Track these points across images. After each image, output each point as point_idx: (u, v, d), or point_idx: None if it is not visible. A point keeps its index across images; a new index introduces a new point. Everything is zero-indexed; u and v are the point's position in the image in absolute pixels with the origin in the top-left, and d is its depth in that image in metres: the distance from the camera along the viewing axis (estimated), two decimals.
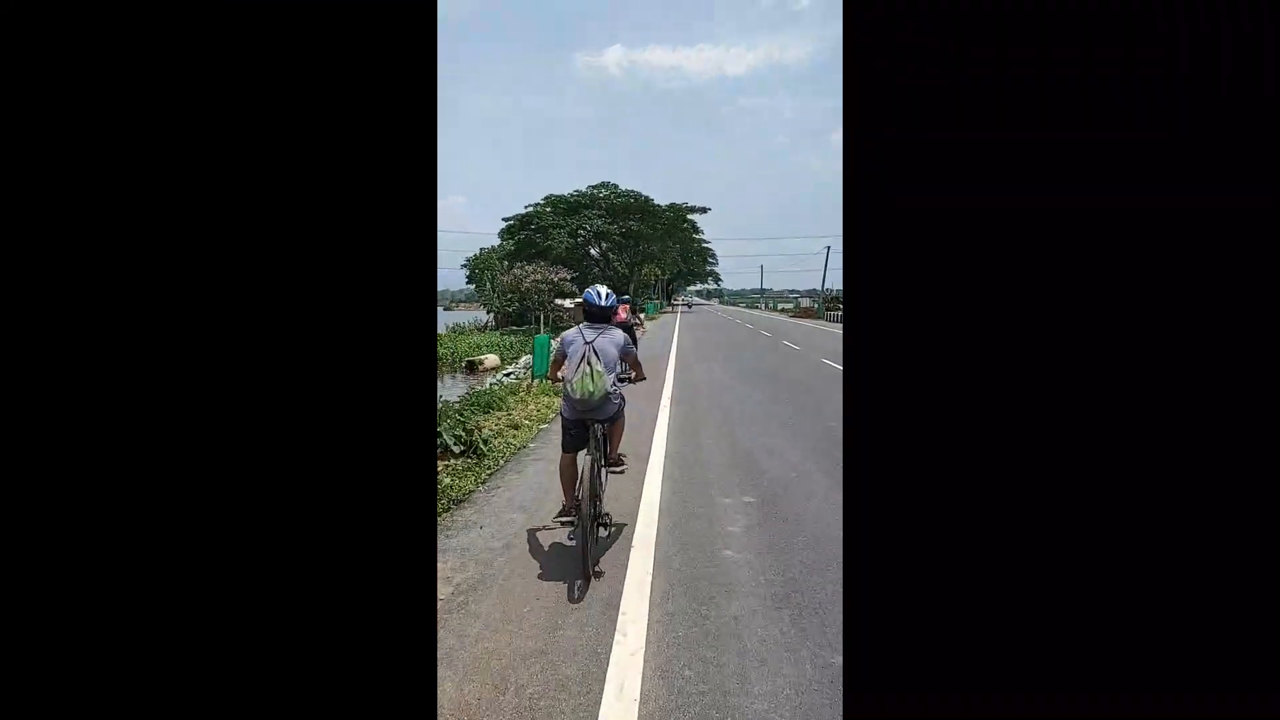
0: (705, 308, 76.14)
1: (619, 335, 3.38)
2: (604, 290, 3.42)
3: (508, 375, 12.27)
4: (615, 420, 3.47)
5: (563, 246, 37.61)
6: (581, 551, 3.05)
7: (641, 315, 29.92)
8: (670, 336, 19.83)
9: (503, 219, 41.38)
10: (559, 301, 29.55)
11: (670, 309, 56.57)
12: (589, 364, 3.19)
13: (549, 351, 8.63)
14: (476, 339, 24.28)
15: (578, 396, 3.20)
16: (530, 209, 40.25)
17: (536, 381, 9.20)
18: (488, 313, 35.98)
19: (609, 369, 3.26)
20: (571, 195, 40.59)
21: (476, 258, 55.21)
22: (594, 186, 41.40)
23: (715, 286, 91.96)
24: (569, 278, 32.20)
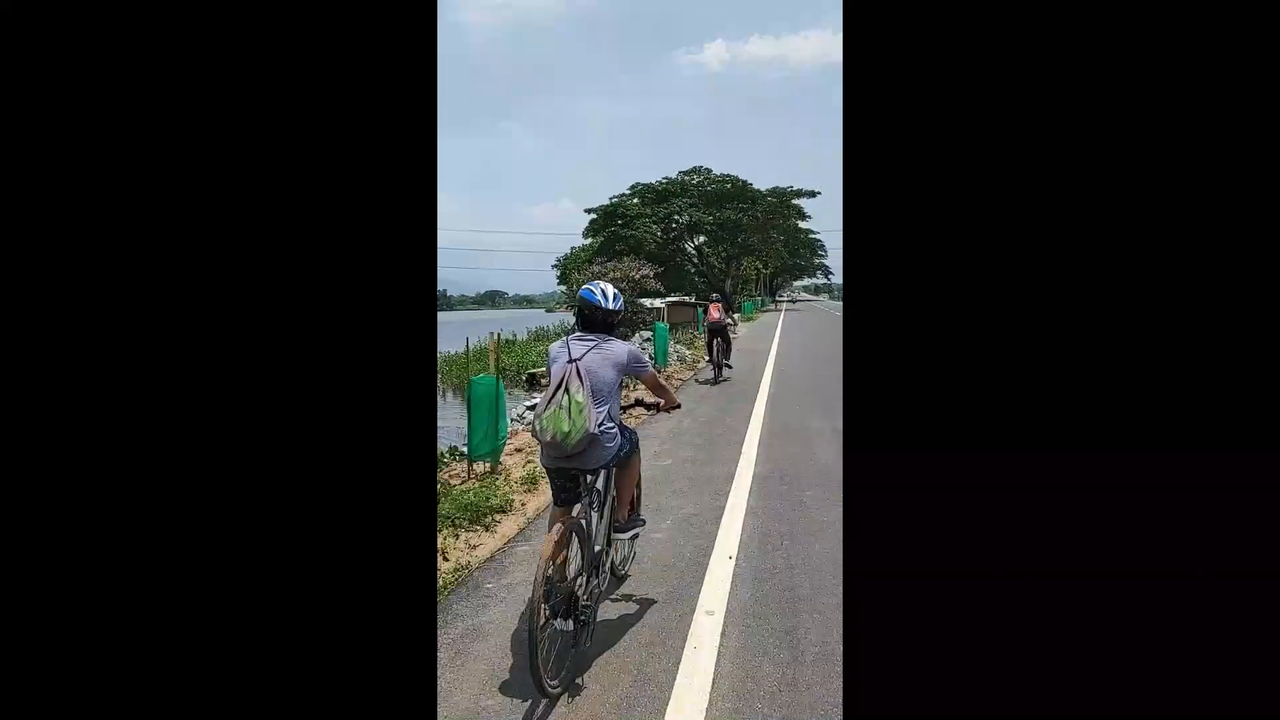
0: (815, 304, 69.32)
1: (621, 350, 2.48)
2: (608, 289, 2.55)
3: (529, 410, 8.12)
4: (621, 467, 2.58)
5: (653, 241, 33.46)
6: (530, 657, 1.97)
7: (735, 316, 25.42)
8: (766, 350, 15.03)
9: (585, 210, 37.76)
10: (642, 301, 26.00)
11: (773, 306, 51.09)
12: (567, 391, 2.32)
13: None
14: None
15: (549, 438, 2.31)
16: (615, 200, 36.44)
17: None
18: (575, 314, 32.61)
19: (601, 399, 2.38)
20: (660, 183, 36.31)
21: (567, 257, 52.79)
22: (685, 172, 36.93)
23: (825, 280, 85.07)
24: (653, 274, 28.19)
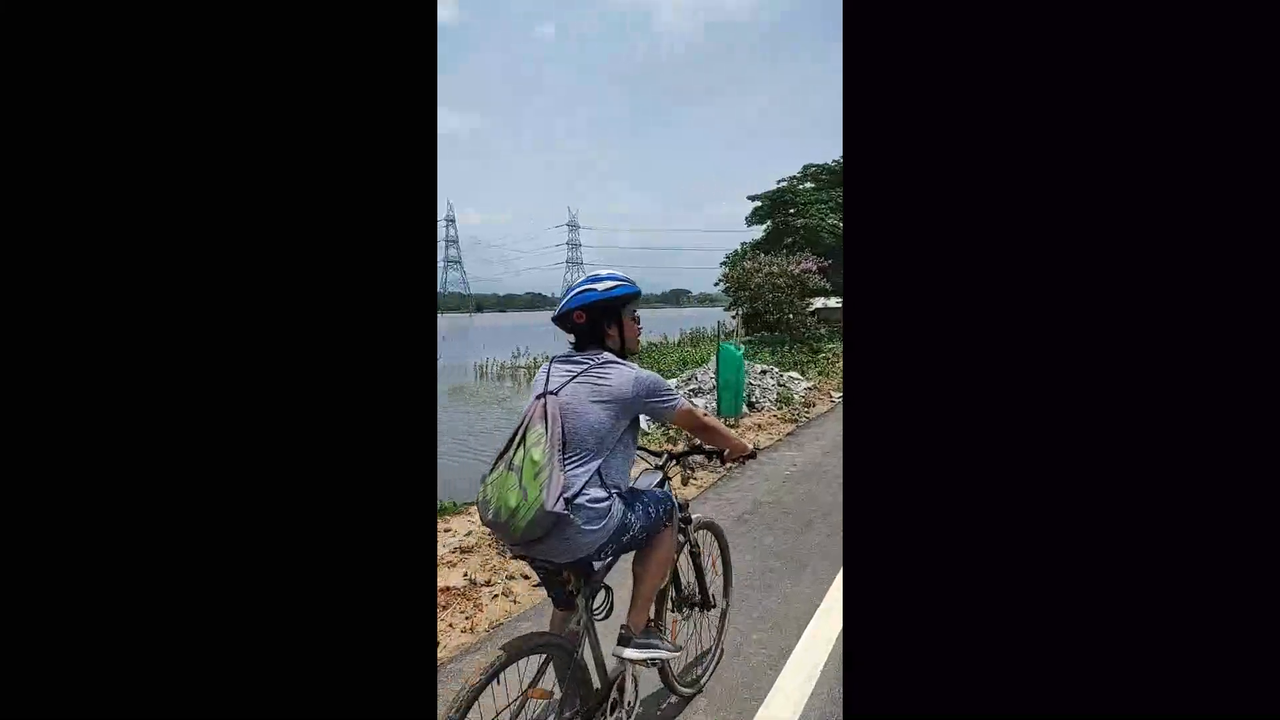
0: None
1: (623, 377, 1.61)
2: (601, 278, 1.69)
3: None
4: (640, 544, 1.74)
5: (830, 231, 28.03)
6: None
7: None
8: None
9: (749, 197, 33.27)
10: (812, 302, 21.19)
11: None
12: (523, 443, 1.52)
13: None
14: (682, 353, 16.97)
15: (489, 516, 1.51)
16: (784, 184, 31.50)
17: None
18: (733, 317, 28.94)
19: (580, 456, 1.56)
20: (836, 162, 30.62)
21: (735, 254, 48.71)
22: None
23: None
24: (817, 269, 23.16)
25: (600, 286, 1.65)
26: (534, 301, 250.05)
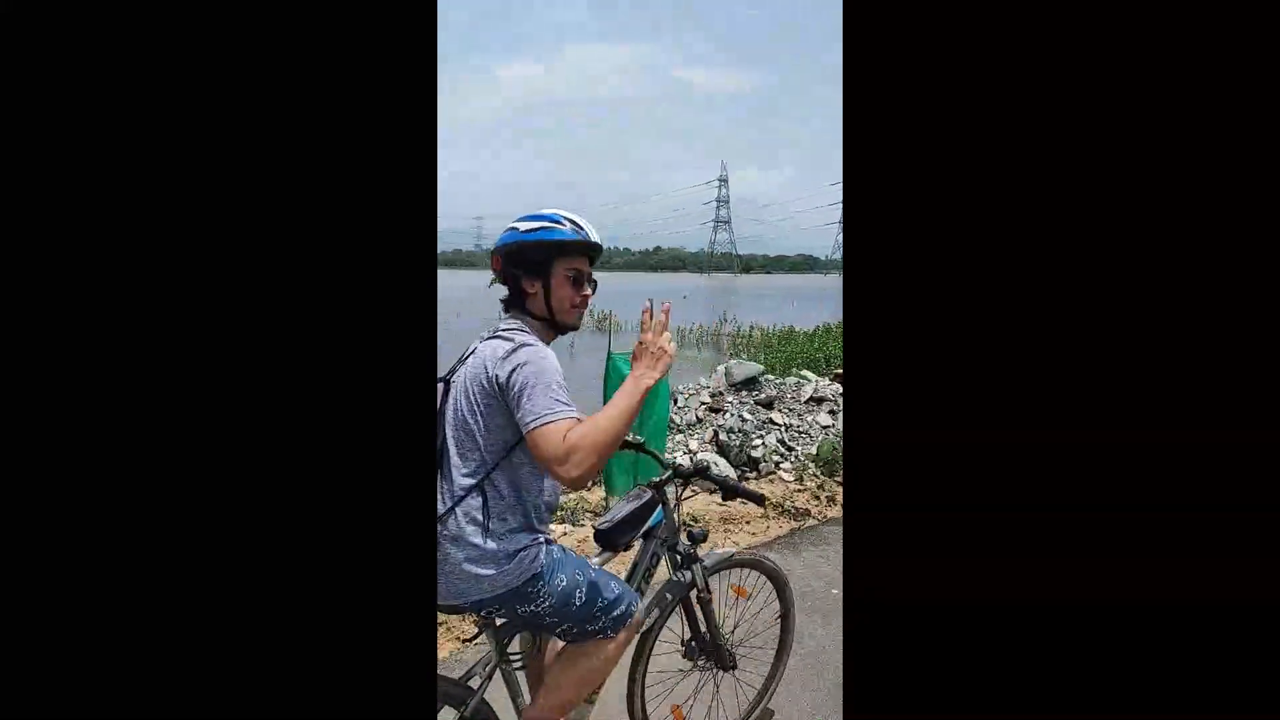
0: None
1: (484, 354, 1.28)
2: (538, 217, 1.34)
3: None
4: (567, 630, 1.39)
5: None
6: None
7: None
8: None
9: None
10: None
11: None
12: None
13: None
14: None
15: None
16: None
17: None
18: None
19: (461, 466, 1.28)
20: None
21: None
22: None
23: None
24: None
25: (524, 226, 1.30)
26: (802, 263, 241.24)
